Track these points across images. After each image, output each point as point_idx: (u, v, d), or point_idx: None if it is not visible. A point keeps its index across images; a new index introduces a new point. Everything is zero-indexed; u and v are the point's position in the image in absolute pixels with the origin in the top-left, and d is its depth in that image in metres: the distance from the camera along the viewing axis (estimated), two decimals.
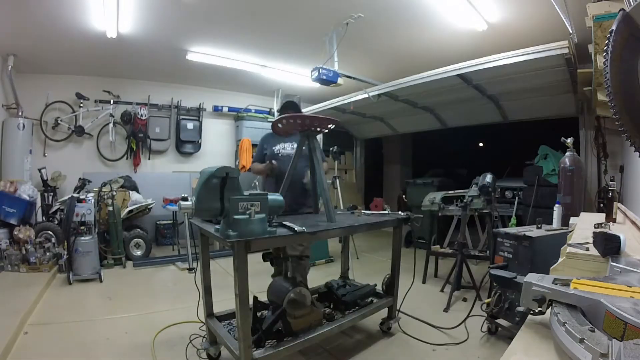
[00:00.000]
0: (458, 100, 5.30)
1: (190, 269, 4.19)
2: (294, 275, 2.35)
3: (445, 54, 4.31)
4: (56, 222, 4.37)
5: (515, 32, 3.79)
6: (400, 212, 2.63)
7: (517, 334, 0.82)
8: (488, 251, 3.02)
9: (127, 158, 5.86)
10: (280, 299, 2.01)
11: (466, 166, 8.74)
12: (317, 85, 4.25)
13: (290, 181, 2.43)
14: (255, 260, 1.97)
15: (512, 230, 2.63)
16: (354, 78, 4.45)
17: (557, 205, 2.91)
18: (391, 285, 2.61)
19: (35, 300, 3.01)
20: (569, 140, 3.32)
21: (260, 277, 2.58)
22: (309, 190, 2.70)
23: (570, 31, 3.28)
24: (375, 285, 2.74)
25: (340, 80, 4.09)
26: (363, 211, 2.67)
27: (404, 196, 6.20)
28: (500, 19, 3.60)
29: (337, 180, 5.27)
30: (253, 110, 6.78)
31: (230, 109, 6.67)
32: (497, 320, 2.46)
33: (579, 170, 3.38)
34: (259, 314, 2.11)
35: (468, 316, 2.62)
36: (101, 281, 3.72)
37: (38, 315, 2.80)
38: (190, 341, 2.36)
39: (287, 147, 2.88)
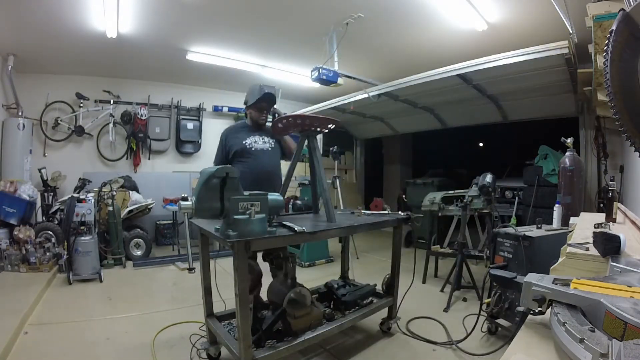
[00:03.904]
0: (458, 100, 5.30)
1: (190, 269, 4.17)
2: (294, 276, 2.35)
3: (445, 54, 4.32)
4: (56, 222, 4.36)
5: (515, 32, 3.79)
6: (400, 212, 2.63)
7: (517, 334, 0.82)
8: (487, 251, 3.01)
9: (127, 158, 5.87)
10: (280, 299, 2.01)
11: (466, 166, 8.74)
12: (317, 85, 4.25)
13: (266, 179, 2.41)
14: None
15: (512, 230, 2.62)
16: (354, 78, 4.45)
17: (557, 205, 2.91)
18: (391, 285, 2.61)
19: (35, 300, 3.01)
20: (569, 140, 3.32)
21: None
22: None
23: (570, 31, 3.28)
24: (375, 285, 2.74)
25: (340, 80, 4.09)
26: (363, 211, 2.66)
27: (404, 196, 6.20)
28: (500, 19, 3.60)
29: (337, 180, 5.27)
30: None
31: (230, 109, 6.67)
32: (497, 320, 2.46)
33: (579, 170, 3.38)
34: (259, 314, 2.11)
35: (477, 322, 2.49)
36: (101, 281, 3.72)
37: (38, 315, 2.80)
38: (191, 341, 2.36)
39: (259, 141, 2.62)
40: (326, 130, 2.33)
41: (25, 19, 3.68)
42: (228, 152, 2.61)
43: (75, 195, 4.11)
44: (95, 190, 4.47)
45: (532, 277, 0.85)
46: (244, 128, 2.71)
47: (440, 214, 3.83)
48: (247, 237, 1.62)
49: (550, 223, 2.85)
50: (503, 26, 3.72)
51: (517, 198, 5.21)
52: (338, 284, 2.63)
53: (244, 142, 2.58)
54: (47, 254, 3.86)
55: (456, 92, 4.89)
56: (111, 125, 5.60)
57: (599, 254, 1.17)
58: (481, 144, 12.59)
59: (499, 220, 4.45)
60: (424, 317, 2.89)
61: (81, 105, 5.42)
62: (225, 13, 3.70)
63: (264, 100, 2.59)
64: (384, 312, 2.59)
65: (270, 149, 2.65)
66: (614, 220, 1.83)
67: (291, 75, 5.62)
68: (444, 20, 3.68)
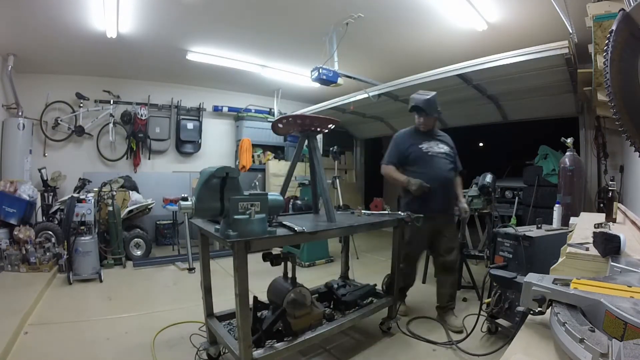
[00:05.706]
0: (458, 100, 5.30)
1: (190, 269, 4.19)
2: (294, 276, 2.34)
3: (445, 54, 4.32)
4: (56, 222, 4.36)
5: (515, 32, 3.79)
6: (400, 212, 2.63)
7: (517, 334, 0.82)
8: (487, 251, 3.01)
9: (127, 158, 5.87)
10: (280, 299, 2.01)
11: (466, 166, 8.73)
12: (317, 85, 4.25)
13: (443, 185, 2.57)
14: (255, 260, 1.97)
15: (512, 230, 2.62)
16: (354, 78, 4.45)
17: (557, 205, 2.91)
18: (391, 285, 2.61)
19: (35, 300, 3.00)
20: (569, 140, 3.32)
21: (260, 277, 2.57)
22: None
23: (570, 31, 3.28)
24: (375, 285, 2.74)
25: (340, 80, 4.09)
26: (363, 211, 2.66)
27: None
28: (500, 19, 3.60)
29: (337, 180, 5.27)
30: (253, 110, 6.78)
31: (230, 109, 6.68)
32: (497, 320, 2.46)
33: (579, 170, 3.39)
34: (259, 314, 2.11)
35: (477, 322, 2.44)
36: (101, 281, 3.72)
37: (38, 315, 2.80)
38: (191, 341, 2.36)
39: (434, 146, 2.70)
40: (326, 130, 2.33)
41: (25, 19, 3.67)
42: (406, 155, 2.69)
43: (75, 195, 4.11)
44: (95, 190, 4.48)
45: (532, 277, 0.85)
46: (417, 132, 2.77)
47: None
48: (247, 237, 1.62)
49: (550, 223, 2.85)
50: (503, 26, 3.72)
51: (517, 198, 5.21)
52: (338, 284, 2.63)
53: (420, 146, 2.67)
54: (47, 254, 3.86)
55: (456, 92, 4.89)
56: (111, 125, 5.60)
57: (599, 254, 1.17)
58: (481, 144, 12.57)
59: (499, 220, 4.45)
60: (424, 317, 2.89)
61: (81, 105, 5.42)
62: (225, 13, 3.70)
63: (414, 111, 2.70)
64: (384, 312, 2.59)
65: (445, 153, 2.72)
66: (614, 220, 1.83)
67: (291, 75, 5.62)
68: (444, 20, 3.68)
